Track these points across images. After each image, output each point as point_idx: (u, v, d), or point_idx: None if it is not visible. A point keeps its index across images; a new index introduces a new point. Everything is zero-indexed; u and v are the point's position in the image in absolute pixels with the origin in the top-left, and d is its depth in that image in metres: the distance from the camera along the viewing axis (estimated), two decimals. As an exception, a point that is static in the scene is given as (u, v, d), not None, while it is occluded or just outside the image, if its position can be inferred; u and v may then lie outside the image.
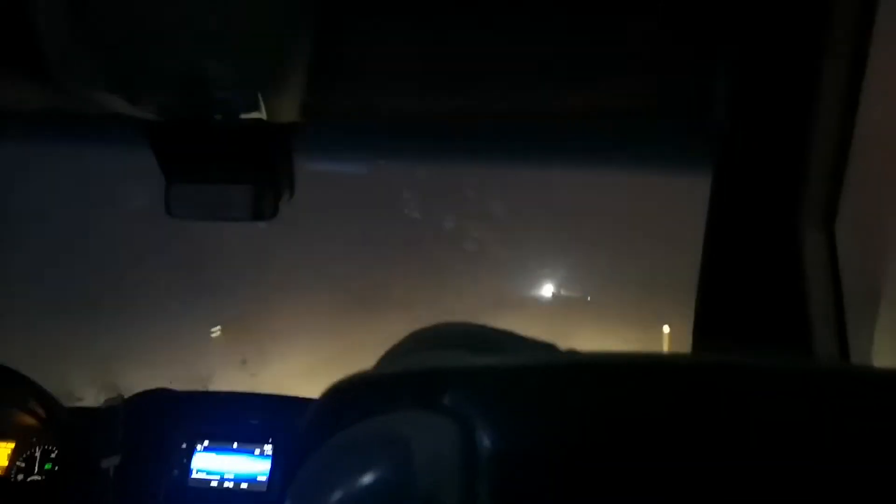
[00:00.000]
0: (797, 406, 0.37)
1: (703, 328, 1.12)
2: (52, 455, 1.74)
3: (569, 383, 0.39)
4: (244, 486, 1.65)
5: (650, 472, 0.36)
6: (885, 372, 0.40)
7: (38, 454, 1.74)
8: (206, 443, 1.70)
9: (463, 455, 0.36)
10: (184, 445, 1.70)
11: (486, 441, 0.36)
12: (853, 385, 0.39)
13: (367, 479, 0.36)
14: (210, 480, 1.67)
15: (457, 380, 0.40)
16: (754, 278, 1.07)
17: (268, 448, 1.66)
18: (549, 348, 0.49)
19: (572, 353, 0.45)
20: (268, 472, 1.65)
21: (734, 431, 0.36)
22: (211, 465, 1.68)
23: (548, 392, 0.38)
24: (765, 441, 0.36)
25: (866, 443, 0.36)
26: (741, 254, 1.07)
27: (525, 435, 0.37)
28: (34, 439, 1.75)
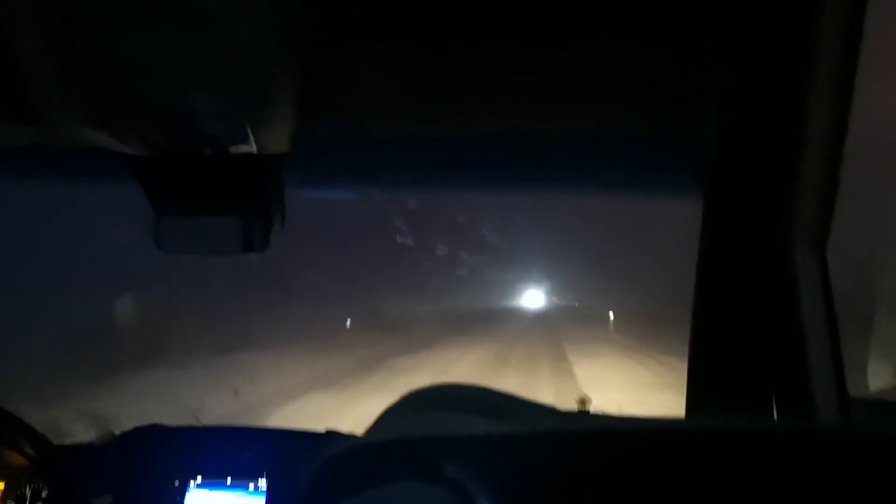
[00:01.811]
0: (804, 477, 0.36)
1: (699, 349, 1.12)
2: (43, 494, 1.71)
3: (575, 453, 0.37)
4: (239, 521, 1.62)
5: None
6: (885, 436, 0.39)
7: (28, 493, 1.71)
8: (199, 479, 1.67)
9: None
10: (177, 483, 1.67)
11: None
12: (853, 452, 0.37)
13: None
14: (204, 517, 1.64)
15: (457, 449, 0.38)
16: (748, 300, 1.06)
17: (262, 483, 1.64)
18: (552, 412, 0.48)
19: (578, 418, 0.44)
20: (262, 507, 1.62)
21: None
22: (205, 501, 1.65)
23: (554, 462, 0.37)
24: None
25: None
26: (734, 276, 1.07)
27: None
28: (24, 478, 1.71)
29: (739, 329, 1.06)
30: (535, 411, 0.48)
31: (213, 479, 1.67)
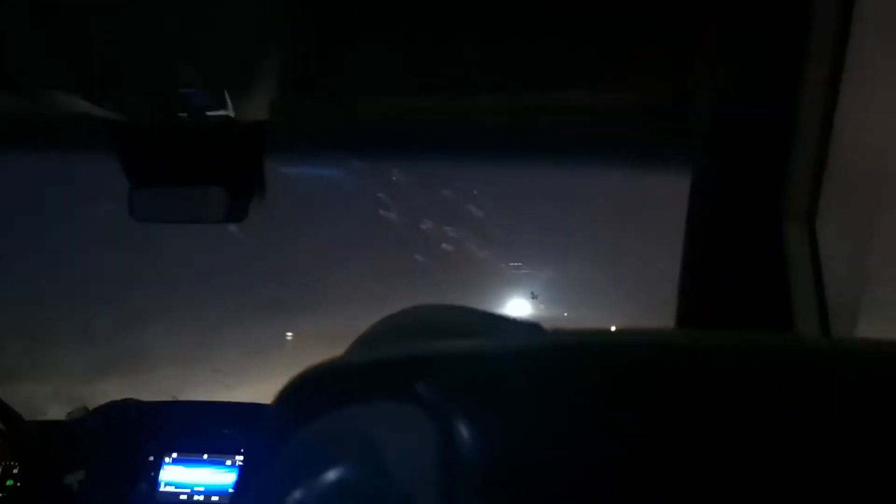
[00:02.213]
0: (791, 390, 0.35)
1: (686, 327, 1.11)
2: (14, 471, 1.69)
3: (552, 369, 0.36)
4: (214, 498, 1.61)
5: (649, 469, 0.33)
6: (869, 345, 0.38)
7: (-1, 470, 1.68)
8: (174, 455, 1.65)
9: (440, 453, 0.33)
10: (151, 458, 1.65)
11: (466, 436, 0.33)
12: (839, 361, 0.36)
13: (334, 480, 0.33)
14: (179, 494, 1.62)
15: (432, 367, 0.37)
16: (736, 275, 1.06)
17: (238, 458, 1.62)
18: (534, 328, 0.46)
19: (559, 333, 0.42)
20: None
21: (731, 419, 0.34)
22: (180, 477, 1.63)
23: (530, 379, 0.35)
24: (764, 430, 0.33)
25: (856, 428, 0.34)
26: (722, 251, 1.07)
27: (510, 429, 0.34)
28: (-5, 455, 1.69)
29: (727, 305, 1.05)
30: (514, 328, 0.46)
31: (189, 454, 1.65)
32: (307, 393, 0.39)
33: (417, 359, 0.38)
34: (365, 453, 0.34)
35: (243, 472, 1.60)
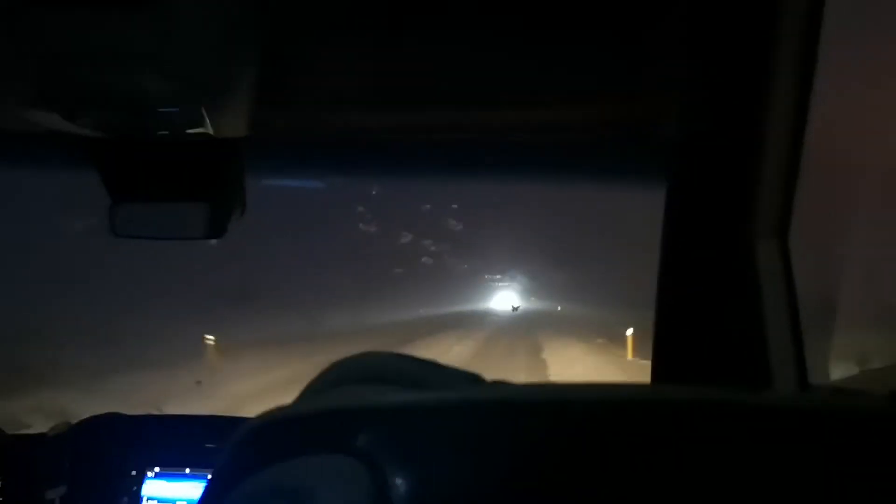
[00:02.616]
0: (722, 443, 0.35)
1: (662, 338, 1.12)
2: (-4, 486, 1.67)
3: (489, 422, 0.36)
4: (197, 512, 1.60)
5: None
6: (842, 407, 0.38)
7: (-20, 485, 1.67)
8: (156, 469, 1.64)
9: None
10: (133, 473, 1.64)
11: (399, 487, 0.34)
12: (811, 424, 0.37)
13: None
14: (161, 508, 1.61)
15: (369, 419, 0.37)
16: (710, 288, 1.07)
17: (221, 473, 1.62)
18: (474, 380, 0.47)
19: (497, 387, 0.43)
20: (221, 497, 1.60)
21: (669, 472, 0.34)
22: (162, 492, 1.62)
23: (467, 432, 0.36)
24: (701, 482, 0.34)
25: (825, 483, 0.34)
26: (697, 264, 1.08)
27: (442, 479, 0.34)
28: (-24, 470, 1.67)
29: (701, 318, 1.06)
30: (455, 380, 0.47)
31: (171, 469, 1.64)
32: (253, 443, 0.40)
33: (356, 411, 0.38)
34: None
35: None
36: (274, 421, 0.40)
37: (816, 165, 0.98)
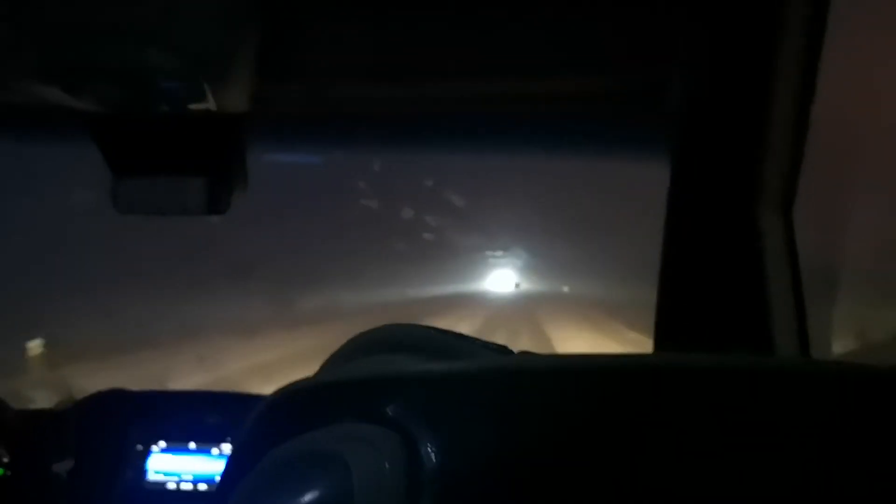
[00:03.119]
0: (749, 407, 0.35)
1: (665, 312, 1.12)
2: (3, 460, 1.69)
3: (518, 390, 0.36)
4: (202, 486, 1.61)
5: (605, 485, 0.34)
6: (843, 367, 0.38)
7: (-14, 460, 1.68)
8: (162, 444, 1.66)
9: (406, 472, 0.34)
10: (139, 447, 1.66)
11: (430, 456, 0.34)
12: (812, 383, 0.37)
13: (303, 501, 0.34)
14: (167, 482, 1.63)
15: (399, 389, 0.37)
16: (714, 263, 1.07)
17: (226, 447, 1.63)
18: (502, 350, 0.47)
19: (525, 356, 0.43)
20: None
21: (689, 438, 0.34)
22: (168, 466, 1.64)
23: (496, 400, 0.36)
24: (716, 447, 0.34)
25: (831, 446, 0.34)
26: (700, 239, 1.07)
27: (472, 448, 0.35)
28: (-18, 445, 1.69)
29: (704, 292, 1.06)
30: (484, 350, 0.47)
31: (176, 443, 1.65)
32: (281, 412, 0.40)
33: (386, 380, 0.39)
34: (332, 475, 0.34)
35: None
36: (302, 390, 0.40)
37: (823, 138, 0.98)
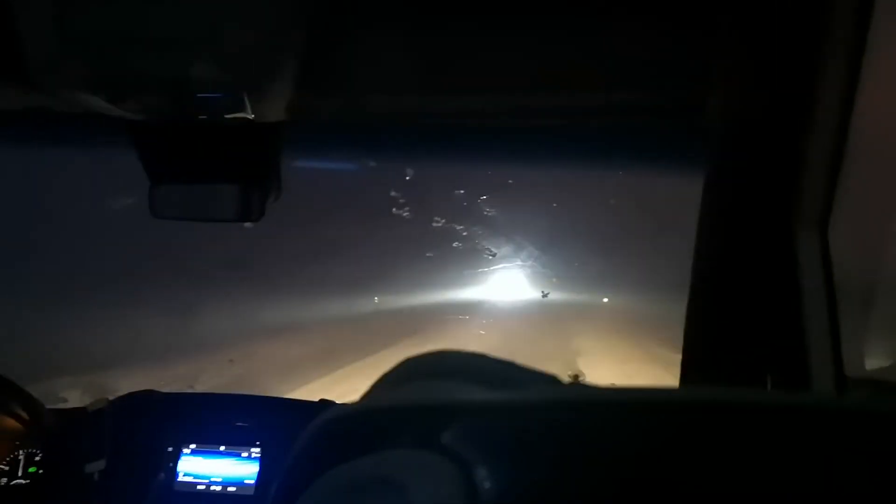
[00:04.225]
0: (805, 449, 0.35)
1: (694, 326, 1.11)
2: (37, 458, 1.72)
3: (576, 422, 0.36)
4: (232, 489, 1.63)
5: None
6: (878, 408, 0.38)
7: (21, 457, 1.71)
8: (192, 446, 1.68)
9: (462, 500, 0.34)
10: (170, 449, 1.68)
11: (487, 485, 0.34)
12: (848, 425, 0.37)
13: None
14: (197, 484, 1.65)
15: (455, 416, 0.37)
16: (746, 278, 1.06)
17: (255, 451, 1.65)
18: (553, 381, 0.47)
19: (578, 387, 0.43)
20: (255, 475, 1.63)
21: (744, 475, 0.34)
22: (198, 468, 1.66)
23: (553, 431, 0.36)
24: (776, 485, 0.34)
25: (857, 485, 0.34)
26: (733, 253, 1.07)
27: (528, 479, 0.35)
28: (18, 443, 1.72)
29: (736, 308, 1.06)
30: (534, 379, 0.47)
31: (207, 445, 1.67)
32: (333, 435, 0.40)
33: (442, 407, 0.39)
34: (390, 500, 0.35)
35: (263, 466, 1.62)
36: (355, 413, 0.40)
37: (861, 154, 0.97)
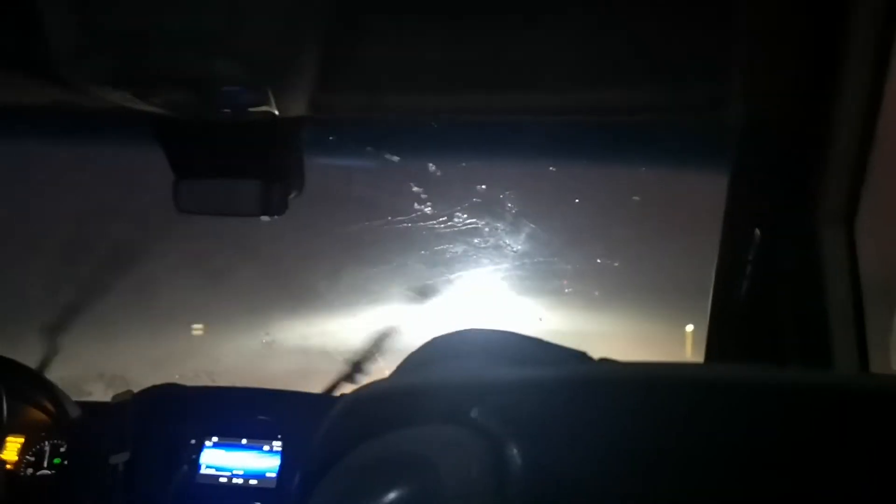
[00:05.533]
0: (831, 424, 0.35)
1: (718, 323, 1.11)
2: (62, 450, 1.74)
3: (604, 398, 0.36)
4: (253, 482, 1.64)
5: (686, 494, 0.34)
6: None
7: (47, 449, 1.73)
8: (214, 439, 1.69)
9: (494, 475, 0.34)
10: (193, 441, 1.69)
11: (517, 460, 0.34)
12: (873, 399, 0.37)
13: (391, 501, 0.34)
14: (219, 476, 1.66)
15: (485, 393, 0.37)
16: (772, 275, 1.05)
17: (277, 444, 1.65)
18: (581, 357, 0.47)
19: (606, 364, 0.43)
20: (277, 468, 1.64)
21: (773, 452, 0.34)
22: (220, 461, 1.67)
23: (582, 407, 0.36)
24: (805, 463, 0.34)
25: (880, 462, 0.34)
26: (759, 250, 1.06)
27: (558, 453, 0.35)
28: (43, 434, 1.74)
29: (762, 306, 1.05)
30: (563, 357, 0.47)
31: (229, 438, 1.68)
32: (362, 413, 0.40)
33: (473, 384, 0.39)
34: (420, 475, 0.34)
35: (285, 459, 1.63)
36: (385, 391, 0.41)
37: (887, 152, 0.96)
